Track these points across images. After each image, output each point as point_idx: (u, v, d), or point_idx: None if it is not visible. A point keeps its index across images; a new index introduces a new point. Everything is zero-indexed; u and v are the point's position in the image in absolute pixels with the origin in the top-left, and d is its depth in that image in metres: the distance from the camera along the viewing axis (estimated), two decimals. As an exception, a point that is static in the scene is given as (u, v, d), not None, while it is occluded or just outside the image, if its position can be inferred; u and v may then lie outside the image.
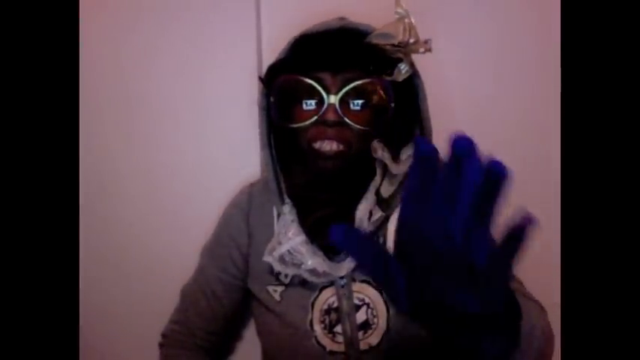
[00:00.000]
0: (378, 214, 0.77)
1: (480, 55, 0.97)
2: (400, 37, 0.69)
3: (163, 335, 0.91)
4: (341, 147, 0.74)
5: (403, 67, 0.71)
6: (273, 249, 0.79)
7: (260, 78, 0.80)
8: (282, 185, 0.81)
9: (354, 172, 0.77)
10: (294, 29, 0.95)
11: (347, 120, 0.72)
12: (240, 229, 0.86)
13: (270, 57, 0.98)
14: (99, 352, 1.04)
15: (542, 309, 0.73)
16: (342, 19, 0.79)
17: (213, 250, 0.89)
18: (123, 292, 1.04)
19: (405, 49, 0.70)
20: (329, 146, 0.73)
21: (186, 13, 0.97)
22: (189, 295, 0.90)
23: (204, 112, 1.00)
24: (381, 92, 0.74)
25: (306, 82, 0.73)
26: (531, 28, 0.98)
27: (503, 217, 0.40)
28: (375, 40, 0.72)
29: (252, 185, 0.91)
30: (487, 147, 0.93)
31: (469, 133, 0.39)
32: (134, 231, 1.03)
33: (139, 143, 1.01)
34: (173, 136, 1.01)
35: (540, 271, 0.91)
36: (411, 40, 0.69)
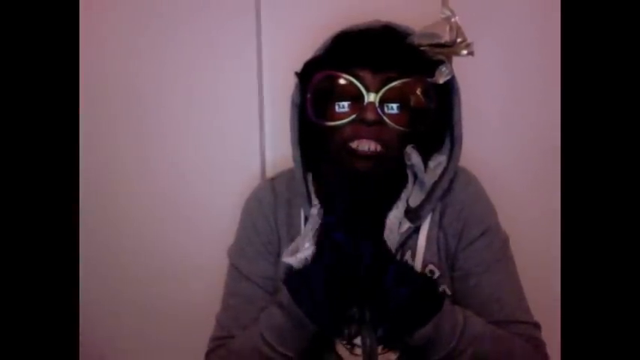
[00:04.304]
0: (406, 224, 0.76)
1: (492, 58, 0.97)
2: (447, 37, 0.68)
3: (207, 354, 0.81)
4: (379, 147, 0.72)
5: (444, 70, 0.70)
6: (297, 250, 0.75)
7: (296, 73, 0.78)
8: (311, 186, 0.79)
9: (387, 178, 0.75)
10: (294, 31, 0.95)
11: (386, 120, 0.71)
12: (269, 225, 0.82)
13: (270, 58, 0.98)
14: (99, 351, 1.04)
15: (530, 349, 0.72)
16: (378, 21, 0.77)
17: (243, 250, 0.83)
18: (123, 291, 1.04)
19: (449, 50, 0.69)
20: (367, 146, 0.71)
21: (186, 14, 0.97)
22: (228, 310, 0.82)
23: (205, 112, 1.00)
24: (422, 93, 0.73)
25: (346, 79, 0.72)
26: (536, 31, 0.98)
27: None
28: (418, 40, 0.71)
29: (273, 180, 0.87)
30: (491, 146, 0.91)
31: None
32: (134, 230, 1.03)
33: (139, 143, 1.01)
34: (174, 137, 1.01)
35: (540, 270, 0.92)
36: (459, 40, 0.68)
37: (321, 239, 0.72)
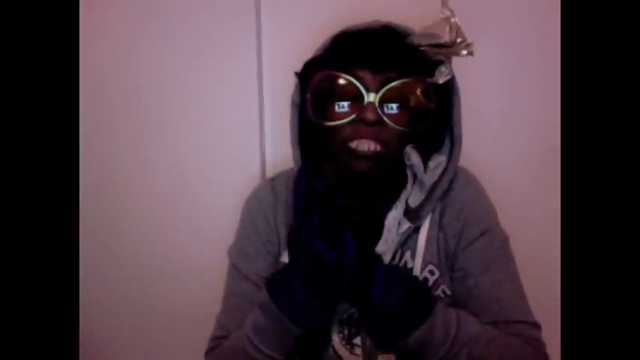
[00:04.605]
0: (405, 224, 0.76)
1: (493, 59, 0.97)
2: (447, 37, 0.68)
3: (207, 353, 0.82)
4: (378, 147, 0.71)
5: (444, 70, 0.70)
6: None
7: (296, 73, 0.78)
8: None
9: (387, 178, 0.75)
10: (294, 31, 0.95)
11: (386, 120, 0.71)
12: (269, 224, 0.82)
13: (270, 58, 0.98)
14: (99, 351, 1.04)
15: (529, 350, 0.72)
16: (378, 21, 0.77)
17: (243, 250, 0.83)
18: (123, 291, 1.04)
19: (448, 51, 0.69)
20: (366, 146, 0.71)
21: (186, 14, 0.97)
22: (227, 310, 0.83)
23: (205, 112, 1.00)
24: (422, 93, 0.73)
25: (346, 79, 0.72)
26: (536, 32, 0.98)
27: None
28: (418, 40, 0.71)
29: (272, 180, 0.87)
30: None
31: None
32: (134, 230, 1.03)
33: (139, 143, 1.01)
34: (173, 136, 1.01)
35: (540, 270, 0.92)
36: (458, 40, 0.68)
37: (294, 246, 0.70)
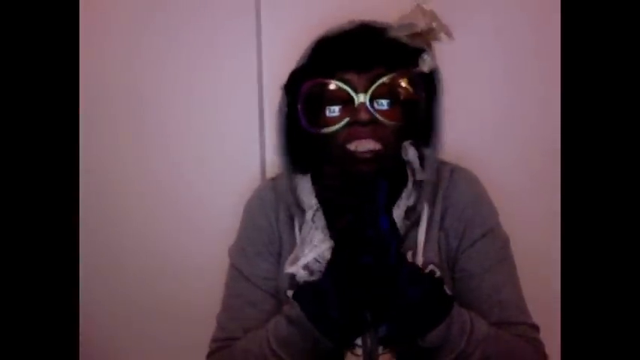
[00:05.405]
0: (405, 223, 0.76)
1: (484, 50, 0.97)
2: (422, 24, 0.67)
3: (209, 356, 0.81)
4: (377, 145, 0.72)
5: (427, 57, 0.69)
6: (297, 258, 0.75)
7: (284, 86, 0.78)
8: (300, 195, 0.79)
9: (389, 177, 0.74)
10: (294, 31, 0.95)
11: (379, 117, 0.71)
12: (271, 224, 0.82)
13: (270, 58, 0.98)
14: (99, 351, 1.04)
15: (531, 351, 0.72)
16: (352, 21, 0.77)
17: (244, 250, 0.83)
18: (123, 291, 1.04)
19: (427, 36, 0.68)
20: (365, 145, 0.71)
21: (186, 14, 0.97)
22: (228, 310, 0.82)
23: (205, 112, 1.00)
24: (410, 85, 0.73)
25: (334, 85, 0.72)
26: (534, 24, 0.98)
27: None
28: (395, 33, 0.71)
29: (274, 180, 0.87)
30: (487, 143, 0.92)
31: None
32: (134, 230, 1.03)
33: (139, 143, 1.01)
34: (174, 136, 1.01)
35: (540, 270, 0.92)
36: (434, 24, 0.67)
37: (338, 255, 0.69)
